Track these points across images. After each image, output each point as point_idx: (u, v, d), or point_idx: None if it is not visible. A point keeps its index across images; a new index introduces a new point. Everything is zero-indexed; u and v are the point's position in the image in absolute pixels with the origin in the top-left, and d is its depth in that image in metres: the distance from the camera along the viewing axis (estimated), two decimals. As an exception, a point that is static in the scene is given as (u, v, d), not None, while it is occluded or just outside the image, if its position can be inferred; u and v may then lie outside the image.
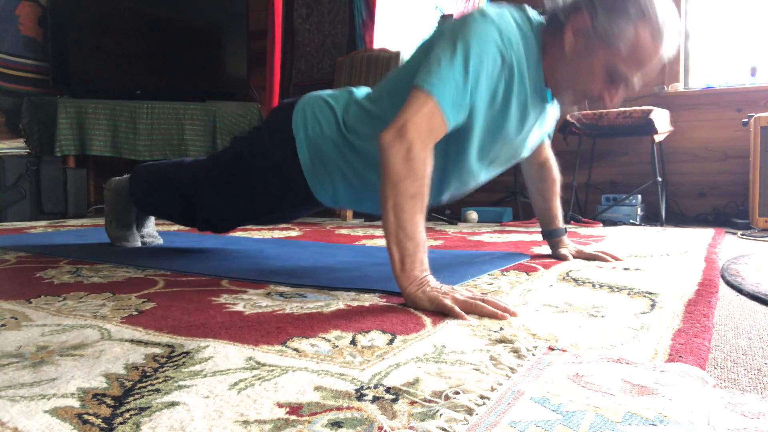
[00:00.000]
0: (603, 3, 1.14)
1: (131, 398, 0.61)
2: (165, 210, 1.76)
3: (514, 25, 1.19)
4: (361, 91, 1.43)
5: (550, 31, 1.22)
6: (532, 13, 1.27)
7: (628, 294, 1.16)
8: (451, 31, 1.17)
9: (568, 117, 3.09)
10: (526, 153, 1.45)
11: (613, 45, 1.14)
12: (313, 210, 1.63)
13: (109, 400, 0.60)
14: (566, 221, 1.74)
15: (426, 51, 1.19)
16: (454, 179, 1.34)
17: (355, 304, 1.06)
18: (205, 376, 0.67)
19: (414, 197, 1.05)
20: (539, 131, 1.42)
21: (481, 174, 1.38)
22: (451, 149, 1.25)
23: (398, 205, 1.05)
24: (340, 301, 1.08)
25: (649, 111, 2.88)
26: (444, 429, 0.53)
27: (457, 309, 0.97)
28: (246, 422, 0.55)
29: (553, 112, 1.42)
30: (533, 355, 0.76)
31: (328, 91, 1.46)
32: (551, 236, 1.70)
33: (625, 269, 1.47)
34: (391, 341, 0.82)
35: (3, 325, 0.91)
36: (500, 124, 1.23)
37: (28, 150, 3.49)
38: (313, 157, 1.37)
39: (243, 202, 1.50)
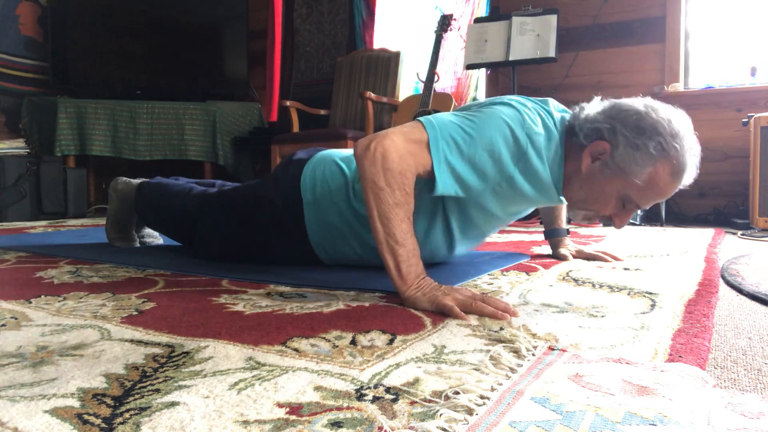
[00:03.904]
0: (625, 136, 1.09)
1: (131, 398, 0.60)
2: (166, 230, 1.80)
3: (541, 126, 1.15)
4: None
5: (571, 141, 1.18)
6: (557, 111, 1.23)
7: (628, 294, 1.16)
8: (470, 107, 1.19)
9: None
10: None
11: (629, 178, 1.10)
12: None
13: (109, 400, 0.60)
14: (568, 221, 1.74)
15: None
16: (461, 243, 1.37)
17: (355, 304, 1.06)
18: (205, 376, 0.67)
19: (397, 205, 1.05)
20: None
21: (488, 233, 1.42)
22: (453, 220, 1.28)
23: (383, 215, 1.05)
24: (340, 301, 1.08)
25: (649, 111, 2.88)
26: (444, 429, 0.53)
27: (457, 309, 0.97)
28: (246, 422, 0.55)
29: None
30: (533, 355, 0.76)
31: (342, 153, 1.43)
32: (553, 236, 1.70)
33: (625, 269, 1.47)
34: (391, 341, 0.82)
35: (3, 325, 0.91)
36: (511, 203, 1.24)
37: (28, 150, 3.49)
38: (319, 221, 1.36)
39: (241, 242, 1.49)
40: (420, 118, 1.13)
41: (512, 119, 1.13)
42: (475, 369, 0.70)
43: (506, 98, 1.19)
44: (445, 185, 1.11)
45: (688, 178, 1.13)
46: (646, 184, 1.11)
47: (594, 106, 1.17)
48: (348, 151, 1.44)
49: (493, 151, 1.11)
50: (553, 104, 1.24)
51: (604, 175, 1.13)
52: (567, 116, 1.23)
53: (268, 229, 1.43)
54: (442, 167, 1.09)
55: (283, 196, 1.39)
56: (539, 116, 1.17)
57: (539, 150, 1.14)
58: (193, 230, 1.58)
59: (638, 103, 1.13)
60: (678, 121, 1.10)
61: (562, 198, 1.23)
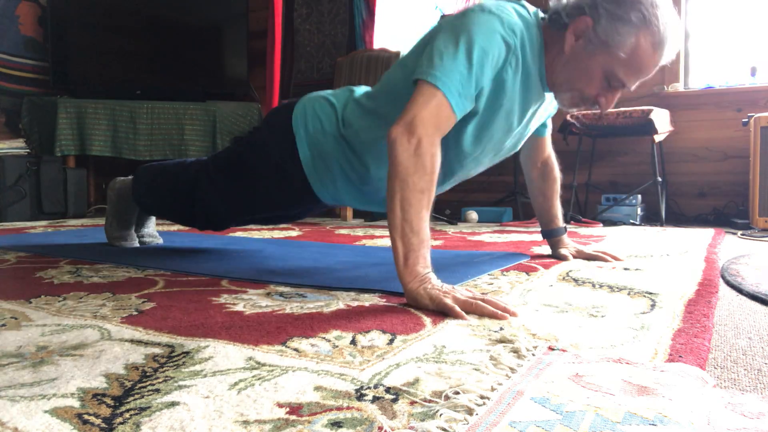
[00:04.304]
0: (606, 8, 1.14)
1: (131, 398, 0.61)
2: (166, 208, 1.77)
3: (515, 16, 1.19)
4: (361, 90, 1.44)
5: (551, 27, 1.23)
6: (532, 7, 1.28)
7: (628, 294, 1.16)
8: (451, 25, 1.18)
9: (568, 117, 3.09)
10: (521, 142, 1.46)
11: (613, 51, 1.14)
12: (316, 210, 1.63)
13: (109, 400, 0.60)
14: (566, 221, 1.74)
15: (424, 46, 1.20)
16: (456, 167, 1.35)
17: (355, 304, 1.06)
18: (205, 376, 0.67)
19: (422, 192, 1.05)
20: (538, 121, 1.43)
21: (482, 163, 1.39)
22: (449, 134, 1.25)
23: (406, 200, 1.05)
24: (340, 301, 1.08)
25: (649, 111, 2.88)
26: (444, 429, 0.53)
27: (458, 308, 0.97)
28: (246, 422, 0.55)
29: (551, 103, 1.43)
30: (533, 355, 0.76)
31: (330, 91, 1.47)
32: (551, 235, 1.70)
33: (625, 269, 1.47)
34: (391, 341, 0.82)
35: (3, 325, 0.91)
36: (504, 109, 1.24)
37: (28, 150, 3.49)
38: (314, 153, 1.37)
39: (243, 199, 1.50)
40: (428, 80, 1.10)
41: (496, 22, 1.15)
42: (475, 369, 0.70)
43: (480, 5, 1.21)
44: (464, 111, 1.14)
45: (670, 51, 1.17)
46: (630, 57, 1.14)
47: None
48: (335, 90, 1.48)
49: (489, 59, 1.13)
50: (525, 2, 1.28)
51: (587, 52, 1.17)
52: (540, 12, 1.27)
53: (266, 175, 1.44)
54: (461, 104, 1.11)
55: (277, 136, 1.41)
56: (514, 11, 1.20)
57: (523, 43, 1.18)
58: (193, 201, 1.58)
59: None
60: None
61: (547, 87, 1.26)
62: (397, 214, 1.05)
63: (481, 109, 1.21)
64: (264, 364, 0.71)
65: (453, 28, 1.15)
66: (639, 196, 3.19)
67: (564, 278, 1.34)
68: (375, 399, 0.60)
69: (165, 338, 0.83)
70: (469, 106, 1.15)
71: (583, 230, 2.74)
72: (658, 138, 3.00)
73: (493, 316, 0.96)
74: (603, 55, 1.16)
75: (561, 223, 1.68)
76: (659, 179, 3.03)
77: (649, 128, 2.91)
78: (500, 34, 1.15)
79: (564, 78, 1.23)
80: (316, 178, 1.39)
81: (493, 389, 0.63)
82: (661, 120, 2.97)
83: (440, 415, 0.56)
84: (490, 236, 2.43)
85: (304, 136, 1.37)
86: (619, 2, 1.13)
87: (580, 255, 1.65)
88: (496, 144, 1.33)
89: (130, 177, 1.83)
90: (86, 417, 0.56)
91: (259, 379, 0.66)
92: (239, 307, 1.03)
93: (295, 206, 1.51)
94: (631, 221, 3.12)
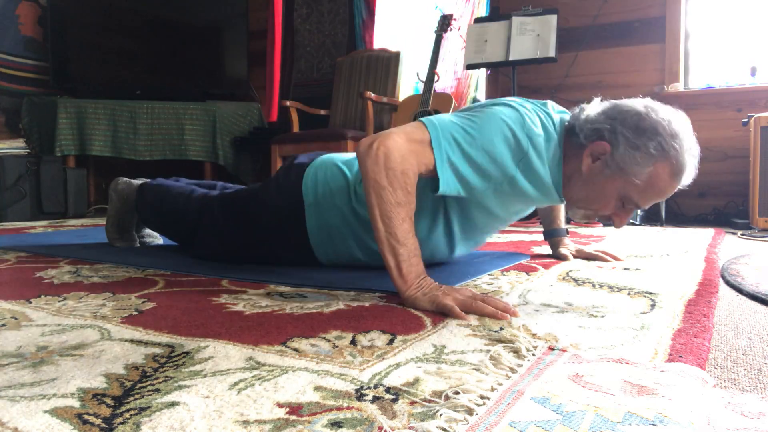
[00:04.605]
0: (625, 136, 1.10)
1: (131, 398, 0.61)
2: (167, 232, 1.80)
3: (540, 127, 1.16)
4: None
5: (570, 141, 1.19)
6: (556, 112, 1.24)
7: (628, 294, 1.16)
8: (470, 108, 1.19)
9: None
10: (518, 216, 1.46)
11: (630, 178, 1.11)
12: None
13: (109, 400, 0.60)
14: (567, 221, 1.74)
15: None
16: (460, 244, 1.37)
17: (355, 304, 1.06)
18: (205, 376, 0.67)
19: (399, 205, 1.05)
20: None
21: (489, 233, 1.43)
22: (454, 219, 1.28)
23: (384, 214, 1.05)
24: (340, 301, 1.08)
25: (649, 111, 2.88)
26: (444, 429, 0.53)
27: (458, 309, 0.97)
28: (246, 422, 0.55)
29: None
30: (533, 355, 0.76)
31: (343, 157, 1.43)
32: (552, 236, 1.70)
33: (625, 269, 1.47)
34: (391, 341, 0.82)
35: (3, 325, 0.91)
36: (513, 203, 1.26)
37: (28, 150, 3.49)
38: (320, 224, 1.36)
39: (242, 244, 1.49)
40: (421, 119, 1.13)
41: (513, 120, 1.13)
42: (475, 369, 0.70)
43: (506, 100, 1.20)
44: (448, 185, 1.11)
45: (687, 178, 1.13)
46: (646, 184, 1.12)
47: (594, 107, 1.18)
48: (349, 155, 1.44)
49: (494, 151, 1.11)
50: (552, 106, 1.25)
51: (604, 175, 1.14)
52: (566, 117, 1.23)
53: (269, 232, 1.43)
54: (445, 166, 1.10)
55: (285, 198, 1.39)
56: (538, 117, 1.17)
57: (540, 151, 1.14)
58: (194, 233, 1.58)
59: (638, 103, 1.13)
60: (677, 121, 1.11)
61: (563, 198, 1.24)
62: (381, 229, 1.06)
63: (486, 199, 1.20)
64: (264, 364, 0.71)
65: (474, 113, 1.16)
66: (639, 196, 3.19)
67: (564, 278, 1.34)
68: (375, 399, 0.60)
69: (165, 338, 0.83)
70: (450, 170, 1.11)
71: (583, 230, 2.74)
72: (658, 138, 2.99)
73: (493, 316, 0.96)
74: (619, 180, 1.13)
75: (563, 224, 1.69)
76: (659, 179, 3.03)
77: (649, 128, 2.91)
78: (514, 133, 1.13)
79: (580, 196, 1.21)
80: (319, 245, 1.39)
81: (493, 389, 0.63)
82: (661, 120, 2.96)
83: (440, 415, 0.56)
84: (490, 236, 2.43)
85: (313, 204, 1.36)
86: (638, 132, 1.09)
87: (581, 255, 1.65)
88: (503, 222, 1.38)
89: (134, 181, 1.82)
90: (86, 417, 0.56)
91: (259, 379, 0.66)
92: (239, 307, 1.03)
93: (292, 261, 1.50)
94: (631, 221, 3.12)
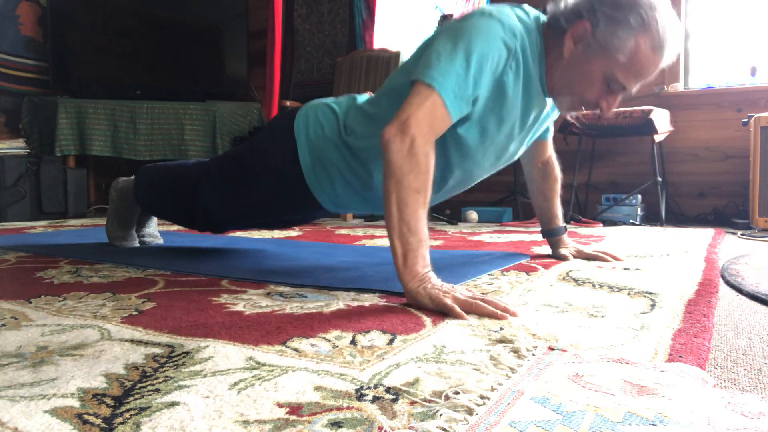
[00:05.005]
0: (605, 12, 1.13)
1: (131, 398, 0.60)
2: (166, 209, 1.77)
3: (516, 19, 1.19)
4: (364, 97, 1.44)
5: (551, 32, 1.22)
6: (533, 11, 1.27)
7: (628, 294, 1.16)
8: (451, 29, 1.17)
9: (568, 117, 3.09)
10: (524, 147, 1.45)
11: (612, 54, 1.14)
12: (318, 215, 1.63)
13: (109, 400, 0.60)
14: (566, 221, 1.74)
15: (424, 50, 1.19)
16: (457, 170, 1.34)
17: (355, 304, 1.06)
18: (205, 376, 0.67)
19: (418, 192, 1.05)
20: (541, 125, 1.43)
21: (484, 167, 1.38)
22: (450, 139, 1.25)
23: (402, 200, 1.04)
24: (340, 301, 1.08)
25: (649, 111, 2.88)
26: (444, 429, 0.53)
27: (458, 308, 0.97)
28: (246, 422, 0.55)
29: (553, 108, 1.42)
30: (533, 355, 0.76)
31: (332, 98, 1.47)
32: (551, 235, 1.70)
33: (625, 269, 1.47)
34: (391, 341, 0.82)
35: (3, 325, 0.91)
36: (506, 113, 1.23)
37: (28, 150, 3.49)
38: (314, 159, 1.37)
39: (243, 203, 1.50)
40: (424, 80, 1.10)
41: (496, 26, 1.15)
42: (475, 369, 0.70)
43: (481, 9, 1.21)
44: (460, 114, 1.13)
45: (670, 53, 1.16)
46: (629, 60, 1.14)
47: None
48: (340, 97, 1.47)
49: (489, 62, 1.13)
50: (527, 6, 1.28)
51: (586, 56, 1.17)
52: (544, 17, 1.27)
53: (266, 179, 1.44)
54: (456, 106, 1.11)
55: (278, 141, 1.41)
56: (515, 15, 1.20)
57: (524, 45, 1.18)
58: (193, 203, 1.58)
59: None
60: None
61: (547, 92, 1.26)
62: (394, 215, 1.05)
63: (481, 112, 1.20)
64: (264, 364, 0.71)
65: (453, 32, 1.15)
66: (639, 196, 3.19)
67: (564, 278, 1.34)
68: (375, 399, 0.60)
69: (165, 338, 0.83)
70: (466, 108, 1.14)
71: (583, 230, 2.74)
72: (658, 138, 3.00)
73: (493, 316, 0.96)
74: (602, 60, 1.15)
75: (561, 222, 1.69)
76: (659, 179, 3.03)
77: (649, 128, 2.91)
78: (500, 38, 1.15)
79: (563, 82, 1.23)
80: (317, 183, 1.39)
81: (493, 389, 0.63)
82: (661, 120, 2.97)
83: (440, 415, 0.56)
84: (490, 236, 2.43)
85: (305, 141, 1.37)
86: (617, 6, 1.13)
87: (580, 255, 1.65)
88: (498, 148, 1.33)
89: (132, 177, 1.83)
90: (86, 417, 0.56)
91: (259, 379, 0.66)
92: (239, 307, 1.03)
93: (295, 212, 1.51)
94: (631, 221, 3.12)
